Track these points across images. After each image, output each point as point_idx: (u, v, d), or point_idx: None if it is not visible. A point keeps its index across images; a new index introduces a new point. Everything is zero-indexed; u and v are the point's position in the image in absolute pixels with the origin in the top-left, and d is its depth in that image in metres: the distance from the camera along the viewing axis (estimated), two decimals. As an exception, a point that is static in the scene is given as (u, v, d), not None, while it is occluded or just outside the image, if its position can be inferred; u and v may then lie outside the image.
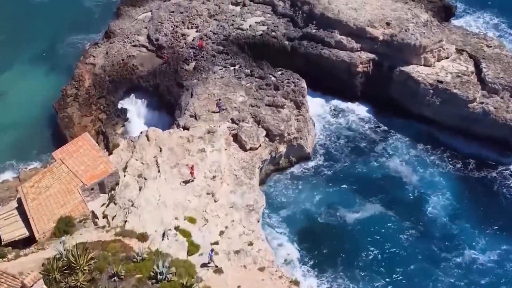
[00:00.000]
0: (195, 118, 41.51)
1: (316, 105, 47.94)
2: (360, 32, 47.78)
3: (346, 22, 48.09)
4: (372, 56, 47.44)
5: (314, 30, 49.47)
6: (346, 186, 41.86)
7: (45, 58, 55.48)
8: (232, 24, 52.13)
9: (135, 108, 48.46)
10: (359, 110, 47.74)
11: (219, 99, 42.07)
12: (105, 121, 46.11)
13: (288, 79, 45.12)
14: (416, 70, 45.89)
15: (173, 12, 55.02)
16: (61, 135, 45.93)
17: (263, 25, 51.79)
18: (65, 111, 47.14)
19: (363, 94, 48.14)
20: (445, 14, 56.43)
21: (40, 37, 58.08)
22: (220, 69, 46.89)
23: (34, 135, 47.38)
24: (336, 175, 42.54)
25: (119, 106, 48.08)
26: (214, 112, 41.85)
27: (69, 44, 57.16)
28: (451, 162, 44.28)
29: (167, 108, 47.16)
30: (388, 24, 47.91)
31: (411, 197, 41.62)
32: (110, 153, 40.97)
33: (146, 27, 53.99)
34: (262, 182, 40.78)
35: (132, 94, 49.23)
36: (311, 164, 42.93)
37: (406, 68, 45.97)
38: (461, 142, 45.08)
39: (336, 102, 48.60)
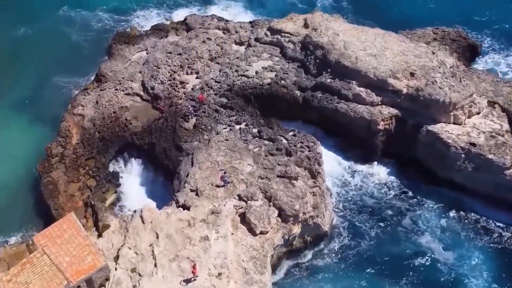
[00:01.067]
0: (197, 194, 36.27)
1: (331, 163, 42.67)
2: (381, 84, 42.52)
3: (366, 73, 42.78)
4: (394, 111, 42.16)
5: (329, 80, 44.15)
6: (371, 269, 36.77)
7: (27, 106, 49.59)
8: (237, 70, 46.73)
9: (129, 171, 43.12)
10: (381, 172, 42.51)
11: (224, 172, 36.80)
12: (95, 188, 40.77)
13: (302, 142, 39.88)
14: (445, 130, 40.66)
15: (170, 53, 49.60)
16: (46, 204, 40.64)
17: (271, 71, 46.40)
18: (50, 175, 41.73)
19: (384, 153, 42.92)
20: (470, 53, 51.31)
21: (22, 79, 52.21)
22: (224, 129, 41.58)
23: (15, 202, 41.74)
24: (359, 255, 37.34)
25: (111, 168, 42.75)
26: (218, 186, 36.62)
27: (55, 87, 51.36)
28: (485, 234, 39.52)
29: (164, 171, 41.91)
30: (412, 74, 42.61)
31: (447, 279, 36.74)
32: (100, 235, 35.94)
33: (140, 71, 48.56)
34: (273, 268, 35.59)
35: (125, 154, 43.91)
36: (329, 243, 37.74)
37: (434, 128, 40.70)
38: (495, 211, 40.14)
39: (353, 161, 43.28)
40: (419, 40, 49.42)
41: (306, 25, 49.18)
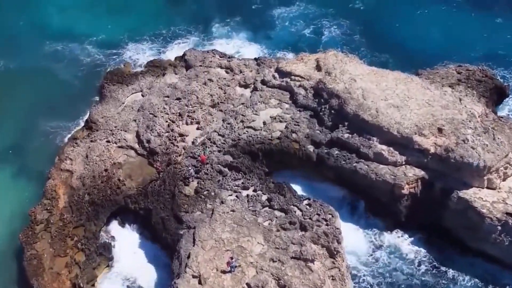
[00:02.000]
0: (199, 282, 31.57)
1: (352, 233, 37.85)
2: (405, 142, 37.89)
3: (388, 129, 38.17)
4: (420, 173, 37.44)
5: (346, 135, 39.47)
6: None
7: (11, 156, 44.80)
8: (242, 121, 42.04)
9: (122, 240, 38.37)
10: (408, 244, 37.56)
11: (231, 257, 32.13)
12: (84, 264, 35.97)
13: (318, 215, 35.25)
14: (479, 197, 36.07)
15: (167, 97, 44.93)
16: (29, 282, 35.91)
17: (281, 121, 41.76)
18: (33, 247, 36.91)
19: (409, 219, 38.24)
20: (497, 96, 46.56)
21: (4, 123, 47.43)
22: (229, 195, 36.90)
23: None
24: None
25: (102, 238, 38.00)
26: (224, 272, 32.03)
27: (41, 134, 46.44)
28: (524, 313, 35.35)
29: (162, 244, 37.26)
30: (440, 130, 37.99)
31: None
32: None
33: (135, 120, 43.82)
34: None
35: (119, 218, 39.25)
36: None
37: (466, 194, 36.07)
38: (535, 287, 36.00)
39: (375, 229, 38.49)
40: (442, 82, 44.79)
41: (318, 67, 44.47)
